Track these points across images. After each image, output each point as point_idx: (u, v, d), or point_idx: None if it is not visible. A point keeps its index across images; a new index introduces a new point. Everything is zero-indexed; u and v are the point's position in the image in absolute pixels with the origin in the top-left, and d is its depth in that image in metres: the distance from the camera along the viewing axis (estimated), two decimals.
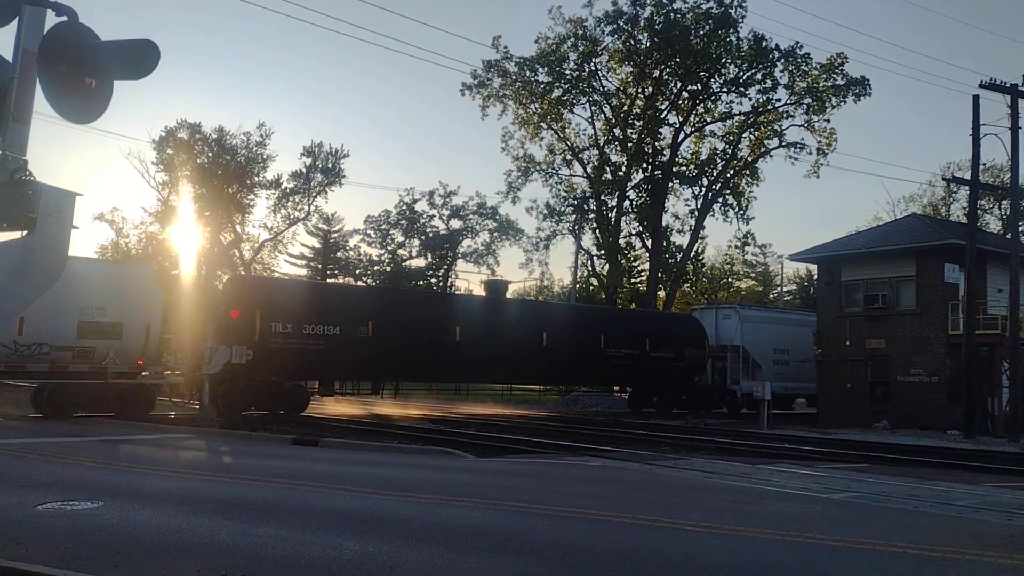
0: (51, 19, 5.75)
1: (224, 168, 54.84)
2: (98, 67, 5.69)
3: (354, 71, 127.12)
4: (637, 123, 50.26)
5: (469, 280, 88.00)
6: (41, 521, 8.25)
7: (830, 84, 47.84)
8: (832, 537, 8.74)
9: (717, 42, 47.35)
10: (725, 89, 49.73)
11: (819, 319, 35.09)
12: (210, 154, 54.98)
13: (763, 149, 51.09)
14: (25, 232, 5.45)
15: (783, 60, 47.84)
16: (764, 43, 47.46)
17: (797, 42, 47.30)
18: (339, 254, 60.70)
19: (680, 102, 50.24)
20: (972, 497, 12.76)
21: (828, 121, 49.01)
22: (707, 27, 47.21)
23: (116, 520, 8.36)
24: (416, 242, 59.50)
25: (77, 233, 5.65)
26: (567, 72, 49.99)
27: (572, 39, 49.42)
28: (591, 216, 52.07)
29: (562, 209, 53.49)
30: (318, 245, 60.10)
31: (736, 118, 50.71)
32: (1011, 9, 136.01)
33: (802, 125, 49.51)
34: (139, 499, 9.75)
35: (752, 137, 51.17)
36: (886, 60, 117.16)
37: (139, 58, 5.75)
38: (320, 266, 60.26)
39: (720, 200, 51.56)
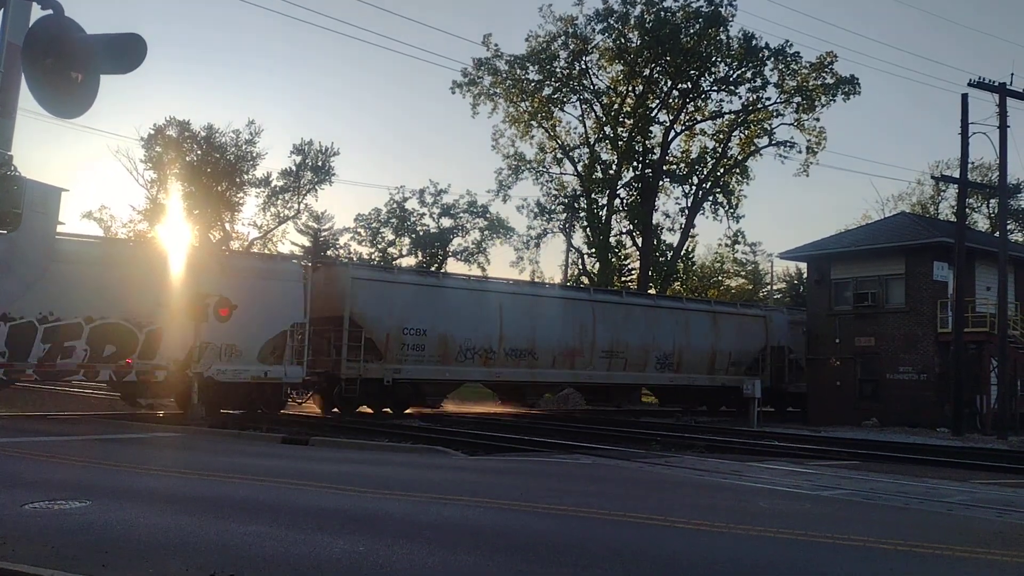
0: (36, 12, 5.68)
1: (213, 166, 54.56)
2: (84, 61, 5.62)
3: (344, 69, 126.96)
4: (627, 121, 50.32)
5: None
6: (28, 520, 8.17)
7: (820, 83, 47.99)
8: (823, 534, 8.74)
9: (707, 41, 47.43)
10: (715, 88, 49.86)
11: (809, 317, 35.18)
12: (199, 152, 54.71)
13: (753, 148, 51.22)
14: (10, 227, 5.40)
15: (773, 59, 47.95)
16: (754, 42, 47.55)
17: (787, 41, 47.36)
18: (329, 252, 60.44)
19: (670, 100, 50.32)
20: (962, 494, 12.80)
21: (818, 120, 49.27)
22: (697, 25, 47.28)
23: (104, 519, 8.29)
24: (406, 240, 59.38)
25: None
26: (558, 70, 50.00)
27: (563, 37, 49.44)
28: (582, 214, 52.13)
29: (553, 207, 53.59)
30: (308, 243, 59.80)
31: (726, 117, 50.84)
32: (1001, 8, 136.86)
33: (792, 124, 49.71)
34: (127, 498, 9.67)
35: (742, 136, 51.31)
36: (876, 59, 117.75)
37: (126, 52, 5.69)
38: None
39: (710, 198, 51.72)
